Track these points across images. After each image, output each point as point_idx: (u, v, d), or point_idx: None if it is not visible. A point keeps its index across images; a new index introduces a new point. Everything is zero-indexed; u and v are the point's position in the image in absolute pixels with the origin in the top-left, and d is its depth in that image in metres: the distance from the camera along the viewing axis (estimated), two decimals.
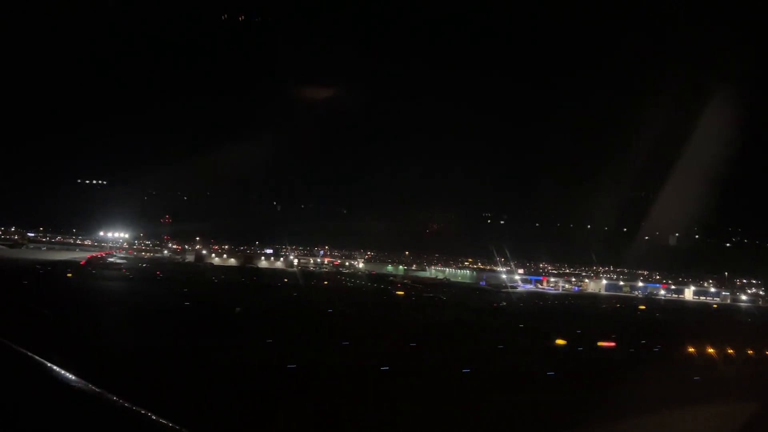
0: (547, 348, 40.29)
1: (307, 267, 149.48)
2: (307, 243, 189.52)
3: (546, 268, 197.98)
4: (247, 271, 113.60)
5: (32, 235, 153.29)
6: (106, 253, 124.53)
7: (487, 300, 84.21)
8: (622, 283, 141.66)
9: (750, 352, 45.59)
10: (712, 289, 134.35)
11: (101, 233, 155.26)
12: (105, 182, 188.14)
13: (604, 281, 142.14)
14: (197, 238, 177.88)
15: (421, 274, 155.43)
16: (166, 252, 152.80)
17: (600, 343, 43.94)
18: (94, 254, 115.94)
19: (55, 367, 4.56)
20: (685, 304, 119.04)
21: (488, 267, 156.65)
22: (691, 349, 44.92)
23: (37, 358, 4.72)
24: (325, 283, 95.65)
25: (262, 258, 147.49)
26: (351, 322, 46.00)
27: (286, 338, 33.46)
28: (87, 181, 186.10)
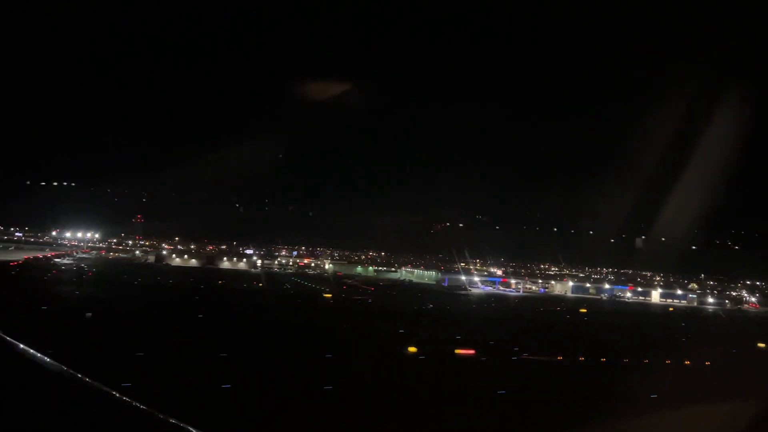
0: (394, 357, 37.96)
1: (271, 268, 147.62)
2: (295, 243, 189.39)
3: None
4: (194, 273, 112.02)
5: (20, 235, 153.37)
6: (57, 254, 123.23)
7: (423, 302, 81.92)
8: (588, 285, 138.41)
9: (626, 360, 42.97)
10: (679, 291, 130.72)
11: (83, 233, 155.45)
12: (90, 182, 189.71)
13: (571, 283, 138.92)
14: (176, 238, 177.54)
15: (391, 275, 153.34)
16: (138, 252, 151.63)
17: (458, 351, 41.49)
18: (38, 254, 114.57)
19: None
20: (645, 306, 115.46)
21: (456, 268, 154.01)
22: (560, 358, 42.36)
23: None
24: (260, 285, 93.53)
25: (224, 259, 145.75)
26: (196, 329, 43.98)
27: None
28: (72, 183, 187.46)
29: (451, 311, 74.01)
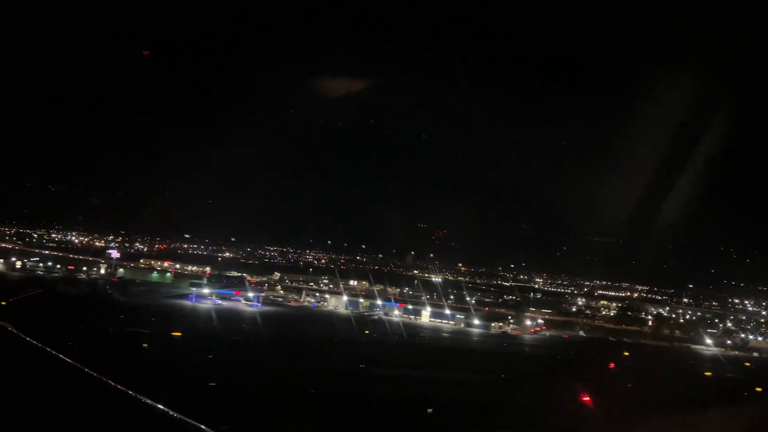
0: None
1: (35, 270, 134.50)
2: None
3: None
4: None
5: None
6: None
7: None
8: (361, 300, 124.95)
9: None
10: (447, 312, 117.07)
11: None
12: None
13: (345, 297, 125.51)
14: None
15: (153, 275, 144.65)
16: None
17: None
18: None
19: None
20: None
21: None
22: None
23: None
24: None
25: None
26: None
27: None
28: None
29: None
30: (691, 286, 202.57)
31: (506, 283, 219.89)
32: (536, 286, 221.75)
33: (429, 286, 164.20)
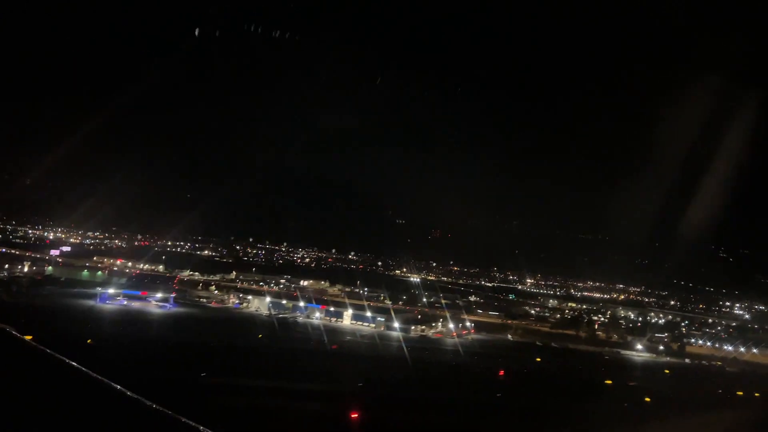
0: None
1: None
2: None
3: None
4: None
5: None
6: None
7: None
8: (284, 301, 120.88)
9: None
10: (368, 314, 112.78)
11: None
12: None
13: (268, 298, 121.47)
14: None
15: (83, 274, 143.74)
16: None
17: None
18: None
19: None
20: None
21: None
22: None
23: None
24: None
25: None
26: None
27: None
28: None
29: None
30: (686, 288, 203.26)
31: (489, 284, 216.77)
32: (519, 287, 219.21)
33: (396, 286, 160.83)
